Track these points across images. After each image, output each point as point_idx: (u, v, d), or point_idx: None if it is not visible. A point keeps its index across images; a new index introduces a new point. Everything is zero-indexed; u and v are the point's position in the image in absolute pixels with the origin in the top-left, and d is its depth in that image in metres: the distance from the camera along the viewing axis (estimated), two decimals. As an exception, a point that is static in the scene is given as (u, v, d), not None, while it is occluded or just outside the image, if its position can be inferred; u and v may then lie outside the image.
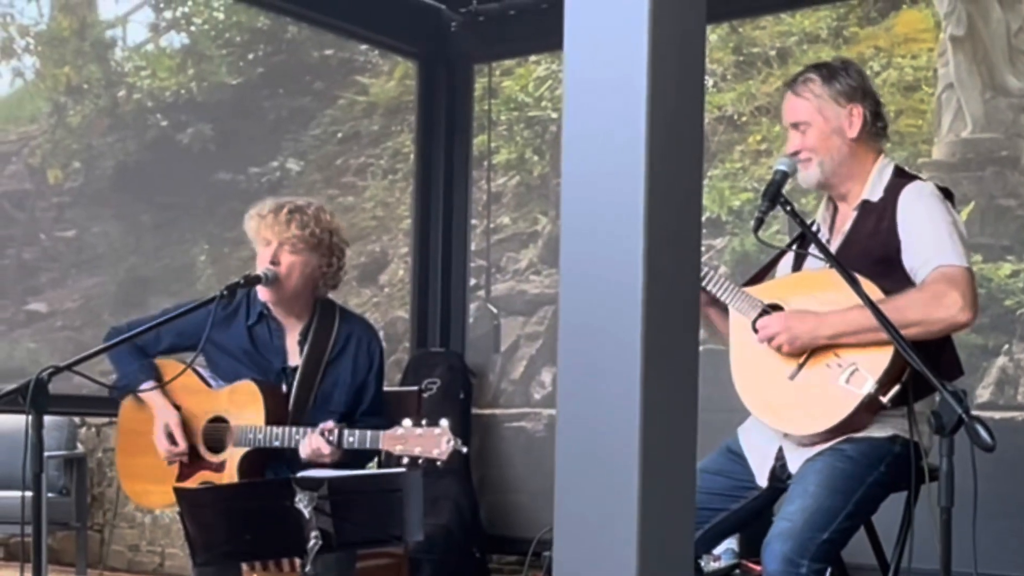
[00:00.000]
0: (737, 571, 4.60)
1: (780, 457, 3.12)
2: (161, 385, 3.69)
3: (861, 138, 3.15)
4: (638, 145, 1.76)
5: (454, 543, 5.57)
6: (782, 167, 3.07)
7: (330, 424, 3.50)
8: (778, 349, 3.05)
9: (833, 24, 5.23)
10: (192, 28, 8.08)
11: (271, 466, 3.65)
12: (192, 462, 3.70)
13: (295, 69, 7.42)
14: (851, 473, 2.98)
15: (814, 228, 3.18)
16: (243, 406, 3.63)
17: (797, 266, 3.26)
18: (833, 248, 3.12)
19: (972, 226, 4.48)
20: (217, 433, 3.69)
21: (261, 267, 3.65)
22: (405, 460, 3.35)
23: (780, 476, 3.13)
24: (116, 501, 7.04)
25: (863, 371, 2.96)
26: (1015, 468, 4.09)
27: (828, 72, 3.17)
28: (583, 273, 1.83)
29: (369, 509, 3.05)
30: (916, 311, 2.93)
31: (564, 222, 1.86)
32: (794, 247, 3.30)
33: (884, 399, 2.94)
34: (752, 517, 3.25)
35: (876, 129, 3.18)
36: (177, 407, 3.71)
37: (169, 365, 3.74)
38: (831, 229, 3.23)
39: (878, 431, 3.02)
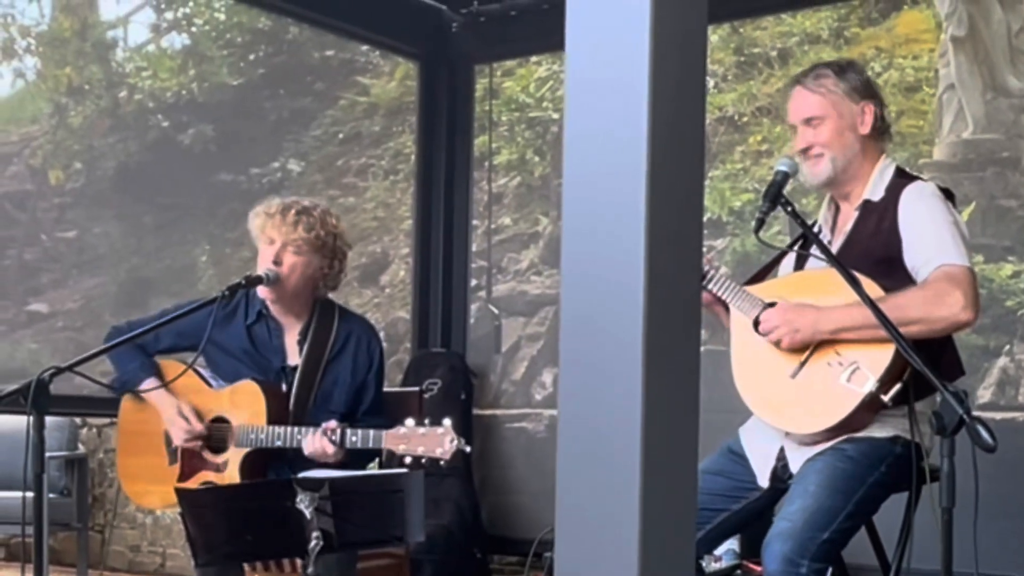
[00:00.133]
0: (738, 572, 4.60)
1: (782, 457, 3.12)
2: (162, 385, 3.69)
3: (871, 136, 3.15)
4: (639, 146, 1.76)
5: (455, 544, 5.57)
6: (783, 168, 3.07)
7: (333, 424, 3.50)
8: (778, 343, 3.05)
9: (834, 25, 5.23)
10: (193, 29, 8.08)
11: (273, 466, 3.65)
12: (193, 462, 3.70)
13: (296, 70, 7.42)
14: (852, 473, 2.98)
15: (816, 229, 3.18)
16: (245, 406, 3.63)
17: (799, 266, 3.25)
18: (835, 248, 3.12)
19: (973, 227, 4.47)
20: (219, 433, 3.69)
21: (263, 266, 3.65)
22: (408, 460, 3.36)
23: (781, 476, 3.12)
24: (117, 501, 7.04)
25: (864, 369, 2.95)
26: (1016, 469, 4.08)
27: (839, 68, 3.18)
28: (584, 274, 1.83)
29: (370, 510, 3.05)
30: (918, 309, 2.93)
31: (565, 223, 1.86)
32: (795, 248, 3.30)
33: (885, 398, 2.94)
34: (753, 518, 3.24)
35: (883, 128, 3.19)
36: (178, 406, 3.72)
37: (170, 365, 3.74)
38: (833, 229, 3.23)
39: (879, 431, 3.02)
